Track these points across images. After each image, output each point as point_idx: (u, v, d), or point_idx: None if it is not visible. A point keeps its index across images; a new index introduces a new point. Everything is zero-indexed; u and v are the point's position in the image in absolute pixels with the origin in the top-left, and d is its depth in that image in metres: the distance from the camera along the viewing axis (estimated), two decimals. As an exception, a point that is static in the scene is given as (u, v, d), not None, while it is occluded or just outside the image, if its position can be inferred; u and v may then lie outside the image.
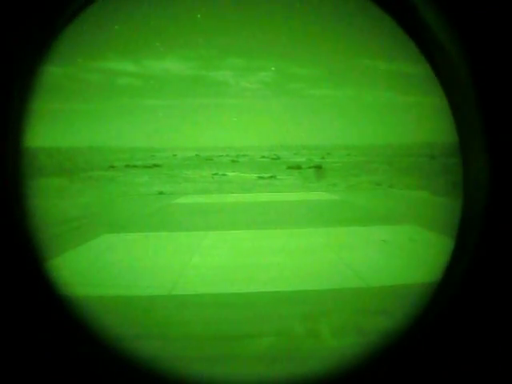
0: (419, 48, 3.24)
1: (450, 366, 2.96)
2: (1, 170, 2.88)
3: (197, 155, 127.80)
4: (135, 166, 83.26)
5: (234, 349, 8.10)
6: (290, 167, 77.65)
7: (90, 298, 10.50)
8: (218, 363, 7.52)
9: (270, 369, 7.24)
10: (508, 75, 2.80)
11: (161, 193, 40.41)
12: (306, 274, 12.79)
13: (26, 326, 2.98)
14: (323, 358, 7.48)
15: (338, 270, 13.16)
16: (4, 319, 2.94)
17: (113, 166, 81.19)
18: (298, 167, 76.94)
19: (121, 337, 8.02)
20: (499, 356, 2.93)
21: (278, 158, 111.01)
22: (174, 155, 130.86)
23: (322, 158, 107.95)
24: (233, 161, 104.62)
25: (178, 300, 10.92)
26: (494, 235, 2.89)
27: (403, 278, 11.44)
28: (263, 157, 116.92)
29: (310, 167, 76.58)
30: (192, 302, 10.69)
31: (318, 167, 75.85)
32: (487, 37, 2.80)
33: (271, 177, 61.42)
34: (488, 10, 2.78)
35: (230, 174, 69.66)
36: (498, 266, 2.89)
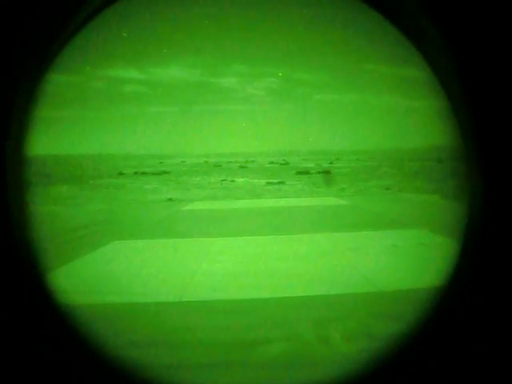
0: (419, 52, 3.27)
1: (455, 370, 2.95)
2: (2, 179, 2.87)
3: (205, 161, 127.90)
4: (144, 173, 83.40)
5: (243, 355, 8.09)
6: (298, 172, 77.63)
7: (98, 306, 10.52)
8: (227, 370, 7.51)
9: (280, 375, 7.22)
10: (500, 80, 2.82)
11: (170, 199, 40.46)
12: (317, 280, 12.77)
13: (26, 337, 2.96)
14: (334, 363, 7.47)
15: (349, 275, 13.13)
16: (3, 330, 2.93)
17: (122, 173, 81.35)
18: (307, 172, 76.93)
19: (129, 344, 8.05)
20: (506, 358, 2.92)
21: (287, 164, 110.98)
22: (183, 162, 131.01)
23: (331, 163, 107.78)
24: (241, 167, 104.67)
25: (188, 307, 10.92)
26: (490, 239, 2.89)
27: (414, 283, 11.40)
28: (272, 162, 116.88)
29: (318, 172, 76.57)
30: (202, 309, 10.69)
31: (327, 172, 75.82)
32: (479, 41, 2.81)
33: (280, 182, 61.39)
34: (481, 18, 2.79)
35: (239, 179, 69.68)
36: (499, 270, 2.88)
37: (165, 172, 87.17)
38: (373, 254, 15.61)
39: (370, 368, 3.14)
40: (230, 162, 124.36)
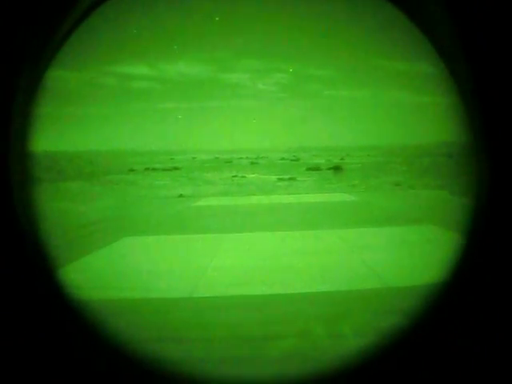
0: (432, 47, 3.27)
1: (452, 365, 2.97)
2: (6, 175, 2.90)
3: (216, 158, 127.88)
4: (155, 169, 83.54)
5: (255, 351, 8.12)
6: (309, 169, 77.58)
7: (110, 302, 10.57)
8: (238, 365, 7.55)
9: (292, 370, 7.25)
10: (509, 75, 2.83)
11: (181, 195, 40.52)
12: (327, 275, 12.79)
13: (40, 332, 2.99)
14: (345, 357, 7.49)
15: (358, 271, 13.15)
16: (19, 327, 2.96)
17: (132, 170, 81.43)
18: (318, 168, 76.89)
19: (141, 340, 8.10)
20: (505, 355, 2.94)
21: (298, 160, 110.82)
22: (194, 158, 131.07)
23: (341, 159, 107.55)
24: (252, 163, 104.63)
25: (199, 302, 10.96)
26: (495, 236, 2.90)
27: (423, 278, 11.39)
28: (282, 158, 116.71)
29: (329, 168, 76.47)
30: (213, 304, 10.73)
31: (338, 168, 75.75)
32: (492, 38, 2.83)
33: (291, 178, 61.40)
34: (497, 14, 2.80)
35: (250, 176, 69.67)
36: (503, 267, 2.90)
37: (176, 168, 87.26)
38: (382, 250, 15.61)
39: (362, 362, 3.16)
40: (240, 158, 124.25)
